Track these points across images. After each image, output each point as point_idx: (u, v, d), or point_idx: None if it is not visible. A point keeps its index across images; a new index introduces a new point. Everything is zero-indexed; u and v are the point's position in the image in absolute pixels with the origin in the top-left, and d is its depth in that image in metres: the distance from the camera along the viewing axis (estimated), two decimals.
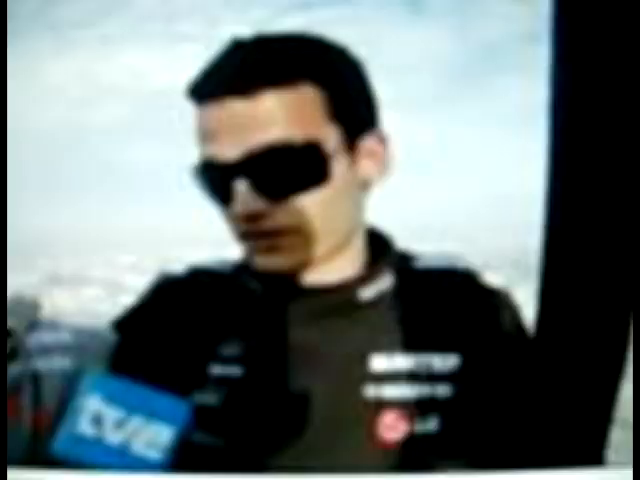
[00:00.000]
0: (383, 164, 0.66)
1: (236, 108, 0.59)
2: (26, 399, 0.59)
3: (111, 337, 0.67)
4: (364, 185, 0.67)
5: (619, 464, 0.57)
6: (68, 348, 0.64)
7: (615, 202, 0.78)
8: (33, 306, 0.70)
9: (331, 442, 0.62)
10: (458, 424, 0.64)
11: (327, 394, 0.63)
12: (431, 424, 0.63)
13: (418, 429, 0.62)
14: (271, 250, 0.63)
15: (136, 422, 0.45)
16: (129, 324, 0.71)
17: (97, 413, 0.45)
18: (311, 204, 0.61)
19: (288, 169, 0.59)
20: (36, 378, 0.61)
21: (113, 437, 0.45)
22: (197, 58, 27.54)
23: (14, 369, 0.61)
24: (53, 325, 0.67)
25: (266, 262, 0.64)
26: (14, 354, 0.62)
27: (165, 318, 0.70)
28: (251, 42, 0.63)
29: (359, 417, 0.62)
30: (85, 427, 0.45)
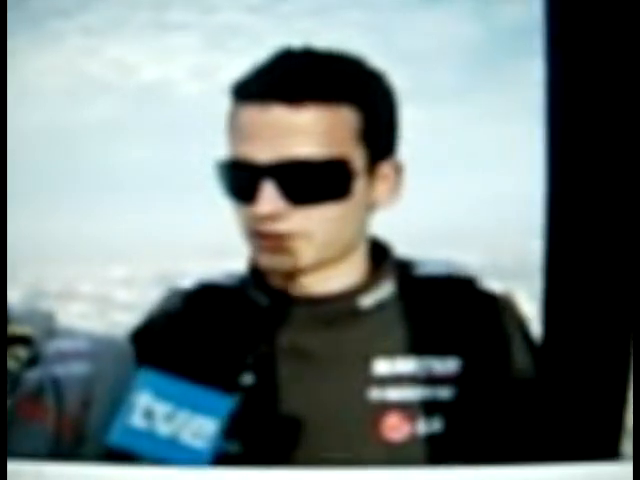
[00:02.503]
0: (394, 191, 0.79)
1: (279, 114, 0.70)
2: (49, 402, 0.68)
3: (126, 346, 0.77)
4: (373, 205, 0.79)
5: (619, 459, 0.64)
6: (85, 355, 0.74)
7: (617, 202, 0.85)
8: (49, 315, 0.80)
9: (338, 443, 0.73)
10: (462, 425, 0.75)
11: (333, 398, 0.75)
12: (435, 425, 0.74)
13: (422, 430, 0.74)
14: (277, 251, 0.74)
15: (183, 415, 0.57)
16: (143, 335, 0.83)
17: (148, 408, 0.57)
18: (328, 215, 0.72)
19: (315, 180, 0.71)
20: (56, 383, 0.70)
21: (163, 429, 0.57)
22: (191, 48, 27.62)
23: (35, 374, 0.71)
24: (70, 333, 0.77)
25: (269, 261, 0.75)
26: (35, 360, 0.72)
27: (178, 330, 0.82)
28: (300, 53, 0.75)
29: (364, 418, 0.74)
30: (138, 420, 0.57)
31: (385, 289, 0.79)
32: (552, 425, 0.76)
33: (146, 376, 0.58)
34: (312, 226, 0.73)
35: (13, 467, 0.53)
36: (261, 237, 0.74)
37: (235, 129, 0.74)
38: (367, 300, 0.77)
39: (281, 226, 0.72)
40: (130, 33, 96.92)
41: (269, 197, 0.71)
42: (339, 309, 0.77)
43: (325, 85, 0.72)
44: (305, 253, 0.74)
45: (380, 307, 0.78)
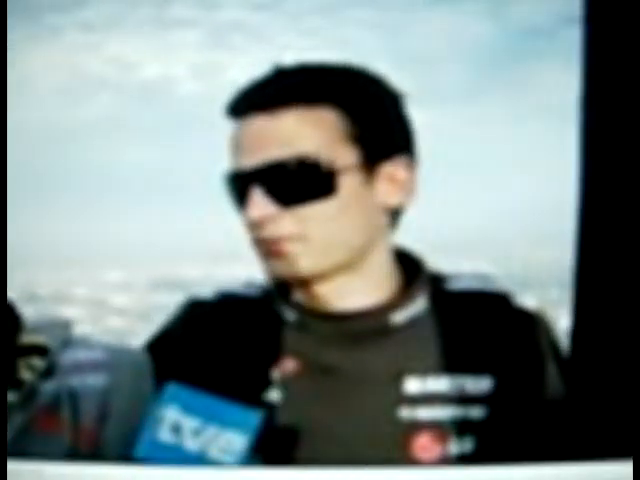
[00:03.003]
0: (405, 191, 0.81)
1: (260, 123, 0.77)
2: (66, 414, 0.68)
3: (142, 357, 0.79)
4: (388, 210, 0.81)
5: (619, 457, 0.65)
6: (101, 366, 0.75)
7: None
8: (65, 324, 0.81)
9: (366, 463, 0.71)
10: (493, 445, 0.76)
11: (362, 417, 0.76)
12: (466, 445, 0.76)
13: (453, 450, 0.76)
14: (277, 256, 0.77)
15: (212, 430, 0.59)
16: (161, 346, 0.85)
17: (175, 422, 0.59)
18: (315, 214, 0.76)
19: (297, 180, 0.76)
20: (73, 395, 0.71)
21: (191, 444, 0.58)
22: (193, 46, 27.31)
23: (51, 385, 0.72)
24: (86, 343, 0.77)
25: (273, 268, 0.78)
26: (51, 371, 0.73)
27: (199, 342, 0.83)
28: (291, 69, 0.80)
29: (395, 438, 0.76)
30: (165, 435, 0.59)
31: (418, 304, 0.81)
32: (583, 445, 0.76)
33: (173, 390, 0.60)
34: (305, 228, 0.76)
35: (13, 467, 0.54)
36: (260, 244, 0.78)
37: (231, 144, 0.80)
38: (400, 316, 0.79)
39: (274, 230, 0.76)
40: (130, 29, 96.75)
41: (258, 202, 0.76)
42: (371, 325, 0.79)
43: (301, 90, 0.77)
44: (304, 258, 0.76)
45: (412, 323, 0.80)
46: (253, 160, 0.77)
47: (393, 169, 0.80)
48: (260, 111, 0.77)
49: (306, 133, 0.76)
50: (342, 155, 0.77)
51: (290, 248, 0.77)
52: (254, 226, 0.78)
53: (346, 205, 0.77)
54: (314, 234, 0.77)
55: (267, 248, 0.78)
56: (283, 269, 0.78)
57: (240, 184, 0.79)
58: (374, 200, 0.79)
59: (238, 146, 0.79)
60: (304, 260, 0.77)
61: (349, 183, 0.77)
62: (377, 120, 0.80)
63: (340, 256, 0.78)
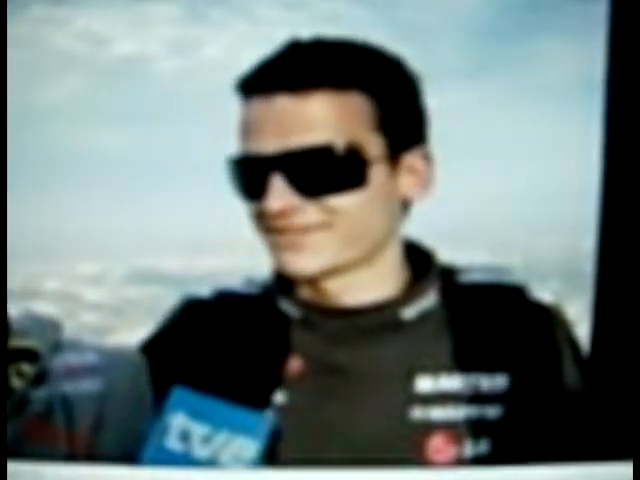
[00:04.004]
0: (423, 182, 0.79)
1: (284, 104, 0.73)
2: (59, 423, 0.68)
3: (138, 358, 0.78)
4: (403, 201, 0.80)
5: (619, 458, 0.65)
6: (94, 370, 0.74)
7: None
8: (54, 325, 0.79)
9: (378, 465, 0.71)
10: (509, 446, 0.76)
11: (372, 418, 0.75)
12: (482, 447, 0.75)
13: (468, 452, 0.75)
14: (297, 248, 0.74)
15: (222, 437, 0.58)
16: (159, 348, 0.83)
17: (184, 429, 0.59)
18: (344, 205, 0.73)
19: (326, 169, 0.73)
20: (66, 402, 0.70)
21: (201, 452, 0.58)
22: (170, 19, 26.53)
23: (43, 393, 0.71)
24: (77, 345, 0.76)
25: (291, 262, 0.75)
26: (42, 377, 0.71)
27: (200, 344, 0.82)
28: (309, 43, 0.77)
29: (407, 439, 0.75)
30: (173, 443, 0.59)
31: (429, 299, 0.79)
32: (603, 446, 0.76)
33: (179, 395, 0.59)
34: (328, 217, 0.73)
35: (12, 467, 0.54)
36: (277, 233, 0.75)
37: (243, 126, 0.76)
38: (410, 311, 0.78)
39: (296, 220, 0.73)
40: (102, 1, 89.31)
41: (279, 191, 0.72)
42: (380, 320, 0.77)
43: (331, 72, 0.74)
44: (328, 248, 0.74)
45: (423, 318, 0.79)
46: (274, 145, 0.73)
47: (412, 160, 0.78)
48: (283, 91, 0.73)
49: (335, 119, 0.73)
50: (371, 144, 0.75)
51: (313, 238, 0.74)
52: (272, 216, 0.74)
53: (374, 197, 0.75)
54: (340, 225, 0.74)
55: (285, 238, 0.75)
56: (304, 263, 0.75)
57: (256, 170, 0.74)
58: (396, 192, 0.78)
59: (252, 127, 0.75)
60: (327, 251, 0.75)
61: (379, 174, 0.76)
62: (401, 107, 0.78)
63: (362, 250, 0.77)
